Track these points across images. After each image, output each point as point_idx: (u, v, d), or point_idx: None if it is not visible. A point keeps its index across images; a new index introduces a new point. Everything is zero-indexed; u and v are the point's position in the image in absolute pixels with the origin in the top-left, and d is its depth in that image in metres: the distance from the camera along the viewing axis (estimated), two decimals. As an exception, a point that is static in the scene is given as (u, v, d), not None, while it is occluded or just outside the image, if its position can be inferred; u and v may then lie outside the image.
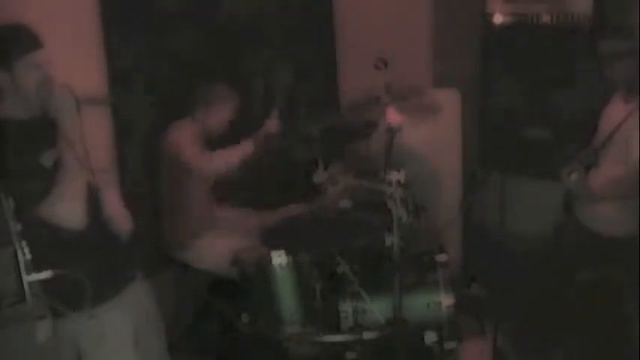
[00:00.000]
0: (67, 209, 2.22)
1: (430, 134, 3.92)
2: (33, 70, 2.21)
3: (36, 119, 2.28)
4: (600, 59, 3.01)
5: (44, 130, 2.26)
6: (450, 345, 2.84)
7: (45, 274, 2.14)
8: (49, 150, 2.25)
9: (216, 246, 3.35)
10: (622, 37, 3.01)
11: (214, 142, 3.45)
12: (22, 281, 2.13)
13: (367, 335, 2.80)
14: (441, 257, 2.94)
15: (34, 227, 2.17)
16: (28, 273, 2.13)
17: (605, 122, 3.09)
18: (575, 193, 3.08)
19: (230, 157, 3.35)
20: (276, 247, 2.90)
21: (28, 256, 2.13)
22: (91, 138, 2.22)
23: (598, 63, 3.02)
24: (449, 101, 4.11)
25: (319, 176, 2.89)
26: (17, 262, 2.13)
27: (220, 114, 3.43)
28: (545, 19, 3.84)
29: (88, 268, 2.27)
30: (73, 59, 2.43)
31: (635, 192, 2.84)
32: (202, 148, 3.36)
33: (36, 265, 2.14)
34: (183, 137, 3.34)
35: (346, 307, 2.83)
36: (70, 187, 2.20)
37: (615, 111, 3.06)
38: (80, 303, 2.23)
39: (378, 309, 2.80)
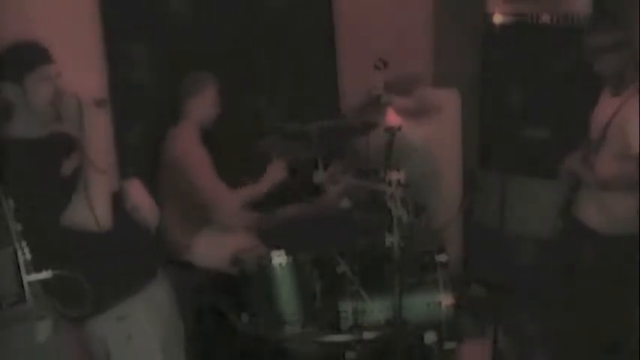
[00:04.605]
0: (90, 214, 2.23)
1: (430, 134, 3.92)
2: (44, 84, 2.27)
3: (48, 136, 2.35)
4: (589, 52, 3.00)
5: (57, 144, 2.34)
6: (449, 345, 2.83)
7: (45, 274, 2.14)
8: (65, 161, 2.31)
9: (216, 245, 3.35)
10: (611, 29, 2.99)
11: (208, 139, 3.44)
12: (22, 281, 2.14)
13: (367, 335, 2.79)
14: (441, 257, 2.93)
15: (58, 233, 2.22)
16: (28, 273, 2.14)
17: (596, 118, 3.09)
18: (581, 179, 3.05)
19: (246, 196, 3.34)
20: (276, 247, 2.90)
21: (28, 256, 2.14)
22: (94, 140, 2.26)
23: (587, 56, 3.01)
24: (449, 101, 4.11)
25: (319, 176, 2.88)
26: (17, 262, 2.13)
27: (207, 101, 3.41)
28: (545, 19, 3.85)
29: (111, 263, 2.34)
30: (74, 69, 2.47)
31: (635, 183, 2.83)
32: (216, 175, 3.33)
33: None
34: (195, 158, 3.31)
35: (346, 307, 2.83)
36: (91, 191, 2.23)
37: (604, 106, 3.05)
38: (82, 303, 2.25)
39: (378, 309, 2.79)
